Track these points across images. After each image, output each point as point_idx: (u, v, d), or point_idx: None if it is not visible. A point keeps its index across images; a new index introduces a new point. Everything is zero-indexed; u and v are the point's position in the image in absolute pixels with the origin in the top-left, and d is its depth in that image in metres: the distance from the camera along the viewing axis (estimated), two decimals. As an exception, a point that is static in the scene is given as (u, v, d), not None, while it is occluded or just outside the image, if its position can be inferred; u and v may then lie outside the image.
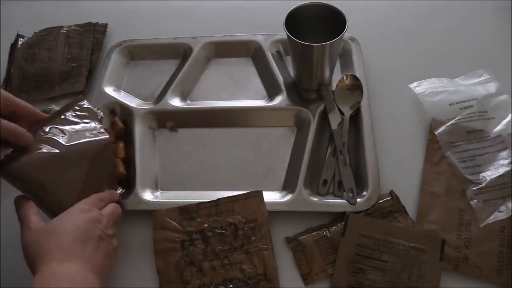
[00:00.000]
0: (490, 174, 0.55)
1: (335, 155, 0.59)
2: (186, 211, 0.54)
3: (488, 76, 0.64)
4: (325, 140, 0.62)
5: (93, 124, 0.55)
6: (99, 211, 0.49)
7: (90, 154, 0.52)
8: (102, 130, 0.55)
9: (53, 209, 0.49)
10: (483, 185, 0.54)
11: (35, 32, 0.79)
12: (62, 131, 0.52)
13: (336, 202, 0.55)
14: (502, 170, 0.55)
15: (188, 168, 0.62)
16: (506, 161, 0.55)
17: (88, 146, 0.52)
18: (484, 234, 0.51)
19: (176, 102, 0.66)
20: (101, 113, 0.57)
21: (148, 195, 0.58)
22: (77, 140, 0.52)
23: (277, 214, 0.55)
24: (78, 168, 0.51)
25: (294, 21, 0.59)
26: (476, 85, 0.63)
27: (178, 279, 0.51)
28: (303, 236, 0.53)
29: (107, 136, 0.54)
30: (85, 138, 0.52)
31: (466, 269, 0.50)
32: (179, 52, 0.74)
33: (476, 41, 0.71)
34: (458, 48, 0.71)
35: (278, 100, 0.65)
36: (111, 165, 0.57)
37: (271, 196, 0.56)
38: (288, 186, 0.58)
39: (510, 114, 0.59)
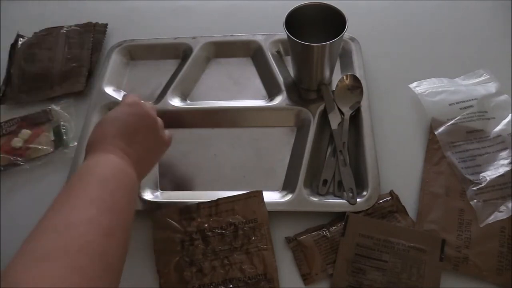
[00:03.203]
0: (490, 174, 0.55)
1: (335, 155, 0.59)
2: (186, 211, 0.54)
3: (488, 76, 0.64)
4: (325, 140, 0.62)
5: None
6: (147, 105, 0.50)
7: None
8: None
9: None
10: (483, 185, 0.54)
11: (35, 32, 0.79)
12: None
13: (336, 202, 0.55)
14: (502, 170, 0.55)
15: (188, 168, 0.62)
16: (506, 161, 0.55)
17: None
18: (484, 234, 0.51)
19: (176, 102, 0.66)
20: None
21: (148, 195, 0.58)
22: None
23: (277, 214, 0.55)
24: None
25: (294, 21, 0.59)
26: (476, 85, 0.63)
27: (178, 279, 0.51)
28: (303, 236, 0.53)
29: None
30: None
31: (466, 269, 0.50)
32: (179, 52, 0.74)
33: (476, 41, 0.71)
34: (458, 48, 0.71)
35: (278, 100, 0.65)
36: None
37: (271, 196, 0.56)
38: (288, 186, 0.58)
39: (510, 114, 0.59)
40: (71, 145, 0.64)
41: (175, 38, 0.74)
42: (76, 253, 0.33)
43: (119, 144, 0.45)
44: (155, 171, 0.61)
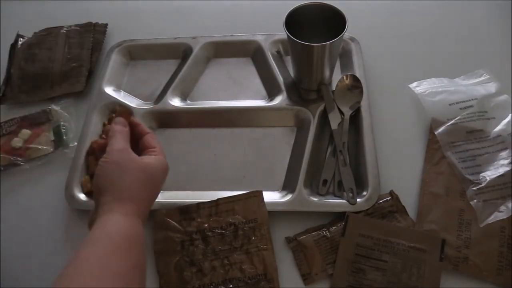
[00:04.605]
0: (490, 174, 0.55)
1: (335, 155, 0.59)
2: (186, 211, 0.54)
3: (488, 76, 0.64)
4: (325, 140, 0.62)
5: None
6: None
7: None
8: None
9: None
10: (483, 185, 0.54)
11: (35, 32, 0.79)
12: None
13: (336, 202, 0.55)
14: (502, 170, 0.55)
15: (188, 168, 0.62)
16: (506, 161, 0.55)
17: None
18: (484, 234, 0.51)
19: (176, 102, 0.67)
20: None
21: (148, 195, 0.58)
22: None
23: (277, 214, 0.55)
24: None
25: (294, 21, 0.59)
26: (476, 85, 0.63)
27: (178, 279, 0.51)
28: (303, 236, 0.53)
29: None
30: None
31: (466, 269, 0.50)
32: (179, 52, 0.74)
33: (476, 41, 0.71)
34: (458, 48, 0.71)
35: (278, 100, 0.65)
36: None
37: (271, 196, 0.56)
38: (288, 186, 0.58)
39: (510, 114, 0.59)
40: (71, 145, 0.64)
41: (175, 38, 0.74)
42: None
43: (106, 200, 0.43)
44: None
